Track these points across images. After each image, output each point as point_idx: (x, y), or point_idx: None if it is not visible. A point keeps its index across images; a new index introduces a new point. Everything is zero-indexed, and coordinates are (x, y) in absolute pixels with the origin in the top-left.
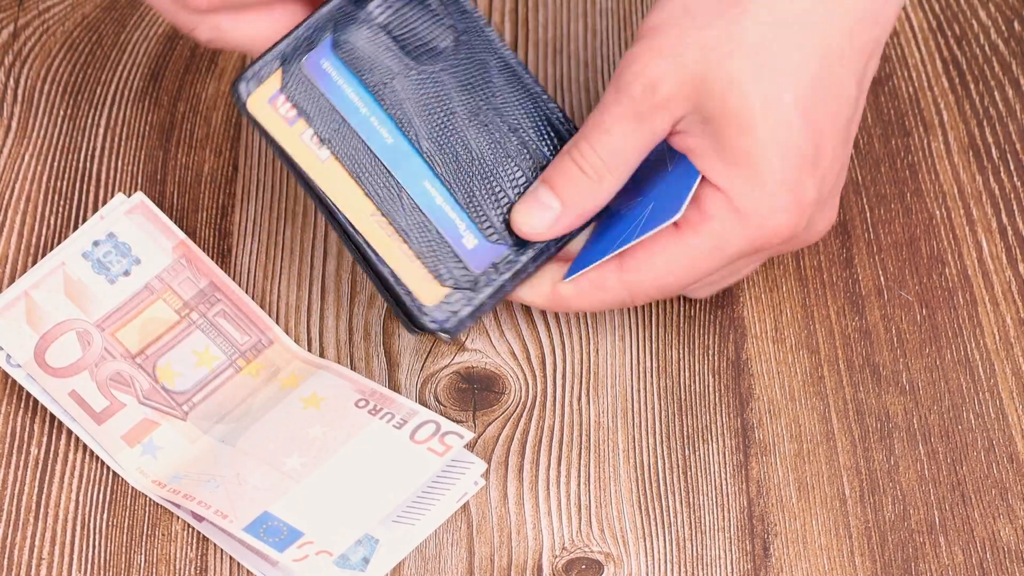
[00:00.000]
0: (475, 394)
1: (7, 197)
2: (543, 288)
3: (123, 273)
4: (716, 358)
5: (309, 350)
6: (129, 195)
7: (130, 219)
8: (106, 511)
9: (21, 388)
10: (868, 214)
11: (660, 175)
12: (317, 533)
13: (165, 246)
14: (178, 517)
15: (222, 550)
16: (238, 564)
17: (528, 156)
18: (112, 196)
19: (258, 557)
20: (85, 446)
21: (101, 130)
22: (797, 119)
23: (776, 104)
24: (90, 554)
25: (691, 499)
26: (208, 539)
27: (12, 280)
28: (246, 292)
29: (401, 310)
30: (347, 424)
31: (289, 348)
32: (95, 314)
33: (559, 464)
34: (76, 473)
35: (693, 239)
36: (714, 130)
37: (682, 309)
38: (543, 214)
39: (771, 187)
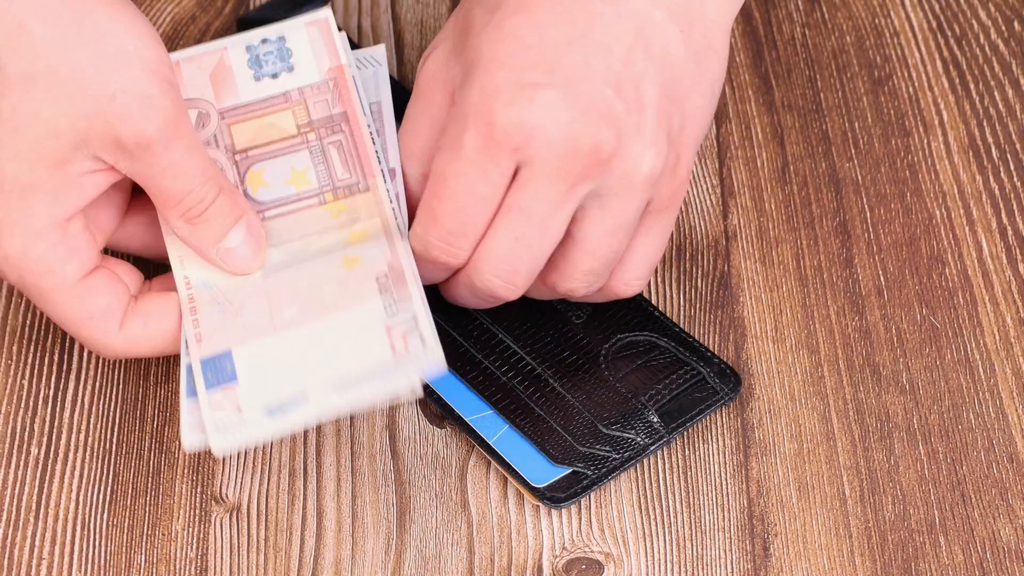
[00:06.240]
0: None
1: None
2: None
3: (271, 75)
4: None
5: None
6: None
7: (306, 31)
8: (106, 511)
9: (22, 386)
10: (868, 214)
11: None
12: (249, 386)
13: (323, 65)
14: (178, 517)
15: (222, 550)
16: (238, 563)
17: None
18: None
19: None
20: (85, 445)
21: None
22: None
23: (493, 30)
24: (90, 554)
25: (691, 499)
26: (207, 539)
27: None
28: None
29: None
30: (354, 292)
31: (381, 202)
32: (225, 102)
33: None
34: (76, 473)
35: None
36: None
37: (682, 310)
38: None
39: (481, 75)
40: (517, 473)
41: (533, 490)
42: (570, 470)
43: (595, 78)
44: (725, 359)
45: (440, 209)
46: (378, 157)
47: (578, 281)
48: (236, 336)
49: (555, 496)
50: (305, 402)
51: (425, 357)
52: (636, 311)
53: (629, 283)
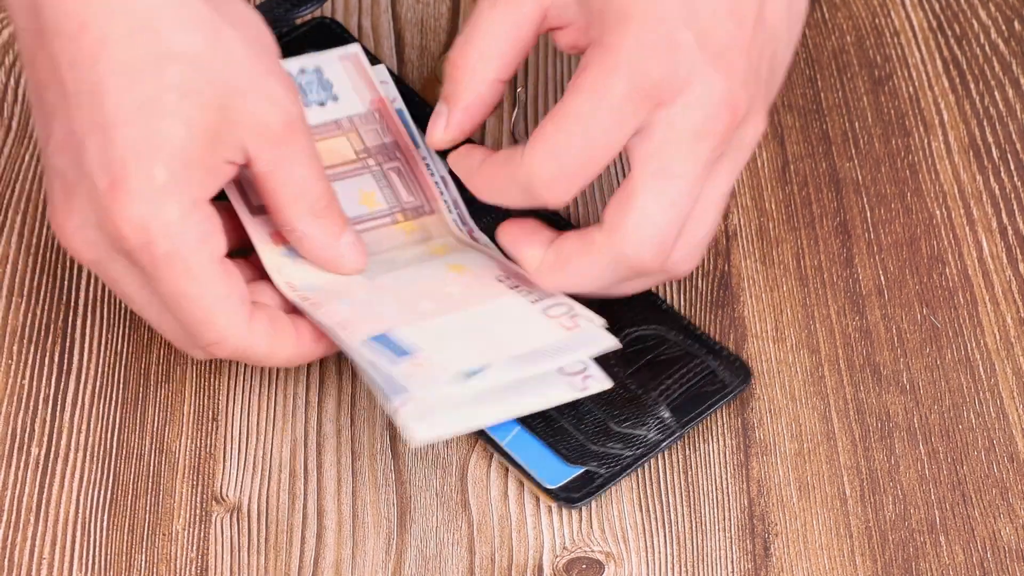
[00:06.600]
0: None
1: (7, 197)
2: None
3: (318, 103)
4: None
5: None
6: None
7: (340, 64)
8: (106, 512)
9: (22, 387)
10: (868, 214)
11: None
12: (431, 354)
13: (364, 97)
14: (179, 517)
15: (222, 551)
16: (238, 564)
17: None
18: None
19: (374, 373)
20: (86, 446)
21: None
22: None
23: None
24: (90, 555)
25: (692, 498)
26: (208, 539)
27: (12, 281)
28: None
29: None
30: (485, 291)
31: (447, 223)
32: None
33: None
34: (76, 474)
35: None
36: (588, 8)
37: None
38: (436, 122)
39: (638, 26)
40: (530, 475)
41: (547, 491)
42: (583, 469)
43: (738, 47)
44: None
45: (565, 144)
46: (434, 176)
47: (682, 252)
48: (386, 321)
49: (570, 496)
50: (495, 376)
51: (600, 337)
52: (643, 305)
53: None
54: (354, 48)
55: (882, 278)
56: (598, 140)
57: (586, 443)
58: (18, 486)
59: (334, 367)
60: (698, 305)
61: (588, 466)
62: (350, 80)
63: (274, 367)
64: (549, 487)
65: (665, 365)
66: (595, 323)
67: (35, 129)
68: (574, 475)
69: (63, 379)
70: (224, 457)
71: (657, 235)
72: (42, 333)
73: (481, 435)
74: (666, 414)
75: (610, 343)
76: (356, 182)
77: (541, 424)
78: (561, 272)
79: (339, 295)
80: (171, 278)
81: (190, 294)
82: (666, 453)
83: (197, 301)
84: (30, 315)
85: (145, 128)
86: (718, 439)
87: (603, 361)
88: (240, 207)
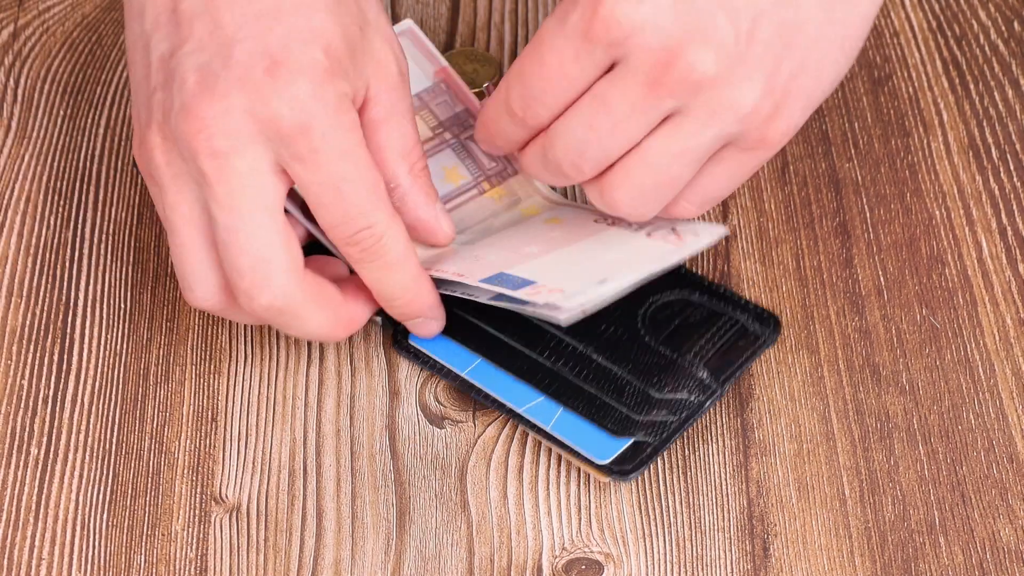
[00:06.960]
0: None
1: (7, 197)
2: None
3: None
4: None
5: (308, 351)
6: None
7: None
8: (106, 511)
9: (22, 387)
10: (868, 214)
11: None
12: (548, 280)
13: (427, 70)
14: (178, 517)
15: (222, 550)
16: (238, 564)
17: None
18: (112, 196)
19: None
20: (85, 446)
21: (101, 130)
22: None
23: None
24: (90, 554)
25: (691, 499)
26: (207, 539)
27: (12, 280)
28: None
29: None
30: (586, 229)
31: (533, 181)
32: None
33: (559, 464)
34: (76, 473)
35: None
36: None
37: None
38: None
39: None
40: (579, 453)
41: (599, 467)
42: (631, 441)
43: (718, 3)
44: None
45: (528, 71)
46: None
47: (624, 192)
48: (497, 266)
49: (622, 469)
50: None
51: (709, 230)
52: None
53: (679, 204)
54: (407, 23)
55: (882, 279)
56: (557, 73)
57: (630, 415)
58: (18, 485)
59: (333, 367)
60: None
61: (636, 437)
62: (410, 57)
63: (393, 287)
64: (600, 463)
65: (694, 327)
66: (696, 230)
67: (156, 44)
68: (622, 448)
69: (63, 379)
70: (223, 457)
71: (570, 150)
72: (42, 333)
73: (524, 423)
74: (704, 374)
75: (721, 231)
76: (436, 160)
77: (582, 403)
78: (522, 157)
79: (442, 259)
80: (331, 159)
81: (350, 175)
82: (665, 454)
83: (356, 182)
84: (30, 315)
85: (305, 19)
86: (717, 440)
87: (634, 332)
88: (316, 229)
